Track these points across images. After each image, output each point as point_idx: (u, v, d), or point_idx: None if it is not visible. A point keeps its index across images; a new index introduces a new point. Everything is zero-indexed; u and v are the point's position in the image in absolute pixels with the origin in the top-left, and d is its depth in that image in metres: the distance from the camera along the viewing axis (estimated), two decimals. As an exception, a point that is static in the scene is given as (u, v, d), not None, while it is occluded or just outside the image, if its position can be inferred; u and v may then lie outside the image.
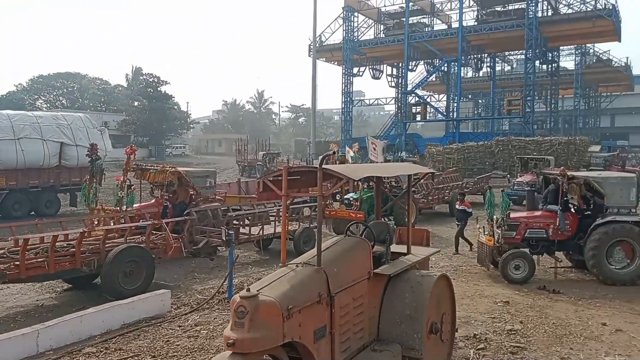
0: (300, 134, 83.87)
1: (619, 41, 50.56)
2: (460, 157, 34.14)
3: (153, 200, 13.98)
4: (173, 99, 68.03)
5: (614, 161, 31.90)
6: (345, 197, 16.77)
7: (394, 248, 6.64)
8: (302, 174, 5.50)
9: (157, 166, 13.01)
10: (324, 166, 4.69)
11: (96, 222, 11.53)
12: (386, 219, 15.81)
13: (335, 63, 61.31)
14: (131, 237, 10.38)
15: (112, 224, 11.41)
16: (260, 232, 13.26)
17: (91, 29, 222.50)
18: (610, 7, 43.74)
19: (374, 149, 19.83)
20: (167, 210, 12.40)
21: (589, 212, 11.07)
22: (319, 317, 4.65)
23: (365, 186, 16.26)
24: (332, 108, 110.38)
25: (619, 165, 30.34)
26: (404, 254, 6.48)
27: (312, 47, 54.98)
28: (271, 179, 5.07)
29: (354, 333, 5.17)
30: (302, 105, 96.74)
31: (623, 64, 63.19)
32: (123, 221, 11.45)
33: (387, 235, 6.23)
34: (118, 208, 12.09)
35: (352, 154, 20.81)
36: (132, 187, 12.54)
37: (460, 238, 13.96)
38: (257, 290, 4.27)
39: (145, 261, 9.80)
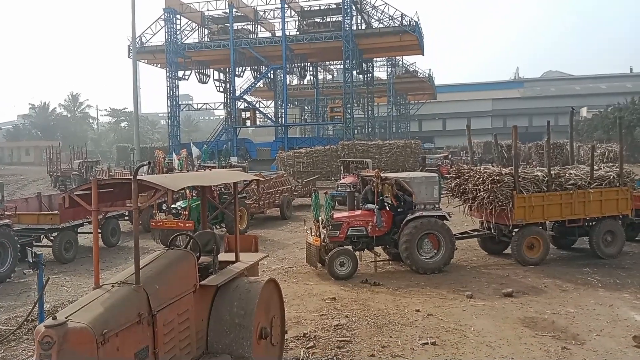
0: (122, 140, 78.51)
1: (423, 54, 57.08)
2: (309, 160, 35.29)
3: None
4: (-34, 102, 59.06)
5: (443, 162, 35.69)
6: (173, 206, 16.12)
7: (223, 257, 6.54)
8: (115, 186, 5.10)
9: None
10: (139, 177, 4.40)
11: None
12: (217, 227, 15.72)
13: (159, 66, 58.78)
14: None
15: None
16: None
17: None
18: (414, 24, 48.97)
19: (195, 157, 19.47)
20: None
21: (401, 209, 12.18)
22: (139, 338, 4.37)
23: (194, 194, 15.83)
24: (158, 112, 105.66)
25: (448, 165, 33.83)
26: (233, 262, 6.41)
27: (131, 48, 51.99)
28: (79, 192, 4.60)
29: (180, 349, 4.96)
30: (124, 109, 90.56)
31: (427, 75, 71.30)
32: None
33: (213, 245, 6.10)
34: None
35: (177, 161, 20.12)
36: None
37: None
38: (66, 317, 3.88)
39: None
